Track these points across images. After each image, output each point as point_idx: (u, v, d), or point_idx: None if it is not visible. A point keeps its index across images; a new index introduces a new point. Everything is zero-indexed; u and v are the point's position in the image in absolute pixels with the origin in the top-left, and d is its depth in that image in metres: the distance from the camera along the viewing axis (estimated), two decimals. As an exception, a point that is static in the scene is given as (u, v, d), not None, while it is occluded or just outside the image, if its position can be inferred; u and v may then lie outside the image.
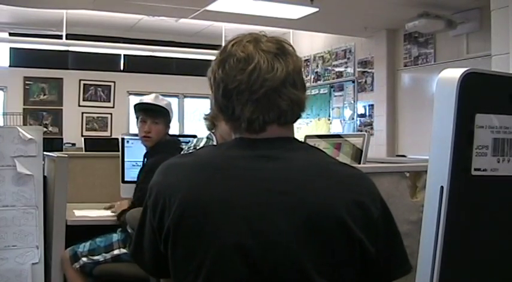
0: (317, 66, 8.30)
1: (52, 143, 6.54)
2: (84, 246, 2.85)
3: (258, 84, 1.11)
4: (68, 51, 8.46)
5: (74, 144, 8.02)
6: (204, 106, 8.85)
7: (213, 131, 2.56)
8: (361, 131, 7.22)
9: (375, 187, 1.17)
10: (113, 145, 5.63)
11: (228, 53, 1.15)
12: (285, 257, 1.06)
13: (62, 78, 8.59)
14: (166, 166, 1.20)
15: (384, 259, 1.13)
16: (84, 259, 2.81)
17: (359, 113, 7.51)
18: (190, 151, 2.40)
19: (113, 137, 8.28)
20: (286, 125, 1.17)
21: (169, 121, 3.04)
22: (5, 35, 8.13)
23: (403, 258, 1.17)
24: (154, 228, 1.16)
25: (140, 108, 3.00)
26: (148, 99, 3.03)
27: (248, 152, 1.14)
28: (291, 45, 1.18)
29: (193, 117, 9.60)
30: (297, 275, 1.06)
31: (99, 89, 8.85)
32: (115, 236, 2.89)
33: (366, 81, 7.39)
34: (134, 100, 8.70)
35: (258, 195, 1.09)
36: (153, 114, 2.95)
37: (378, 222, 1.11)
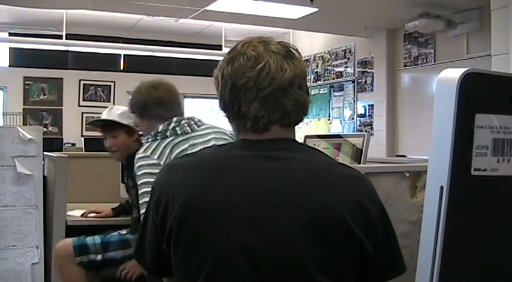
0: (317, 66, 8.29)
1: (52, 143, 6.55)
2: (93, 239, 2.64)
3: (266, 82, 1.14)
4: (67, 51, 8.45)
5: (74, 144, 8.02)
6: (204, 106, 8.85)
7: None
8: (361, 131, 7.22)
9: (373, 187, 1.19)
10: (112, 145, 5.62)
11: (238, 52, 1.17)
12: (287, 256, 1.07)
13: (62, 78, 8.58)
14: (169, 166, 1.22)
15: (382, 259, 1.15)
16: (99, 256, 2.60)
17: (359, 113, 7.51)
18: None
19: (112, 137, 8.26)
20: (288, 126, 1.19)
21: (132, 126, 2.74)
22: (5, 35, 8.12)
23: (399, 258, 1.19)
24: (157, 227, 1.16)
25: (94, 126, 2.94)
26: (102, 114, 2.89)
27: (251, 152, 1.16)
28: (298, 51, 1.21)
29: (193, 117, 9.59)
30: (299, 274, 1.07)
31: (99, 89, 8.84)
32: (130, 236, 2.70)
33: (365, 81, 7.38)
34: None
35: (261, 194, 1.10)
36: (108, 130, 2.84)
37: (376, 223, 1.13)
